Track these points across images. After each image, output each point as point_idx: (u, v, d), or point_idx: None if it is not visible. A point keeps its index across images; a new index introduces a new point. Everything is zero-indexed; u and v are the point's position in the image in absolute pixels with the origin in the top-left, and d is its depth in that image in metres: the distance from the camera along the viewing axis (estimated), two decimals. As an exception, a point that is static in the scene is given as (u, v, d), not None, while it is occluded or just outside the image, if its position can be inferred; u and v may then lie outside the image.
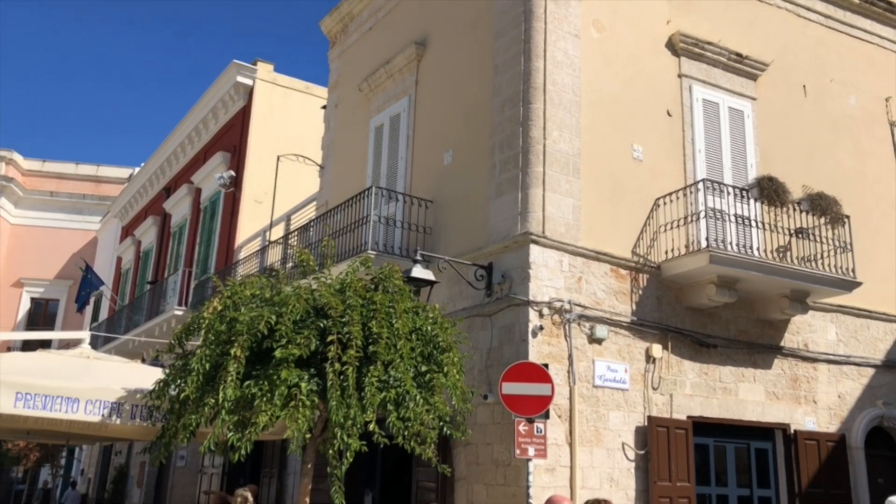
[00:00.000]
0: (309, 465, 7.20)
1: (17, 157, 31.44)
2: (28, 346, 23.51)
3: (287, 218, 16.15)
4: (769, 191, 9.91)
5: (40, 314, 31.06)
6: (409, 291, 7.47)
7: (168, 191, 23.43)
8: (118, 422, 7.07)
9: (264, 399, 6.17)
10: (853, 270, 10.18)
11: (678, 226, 9.67)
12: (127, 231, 27.74)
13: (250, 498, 9.28)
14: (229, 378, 6.26)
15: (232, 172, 18.35)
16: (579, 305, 8.96)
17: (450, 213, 10.31)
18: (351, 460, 6.39)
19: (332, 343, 6.44)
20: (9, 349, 24.59)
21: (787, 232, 10.11)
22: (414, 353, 6.87)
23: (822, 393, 10.58)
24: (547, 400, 7.90)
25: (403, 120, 11.79)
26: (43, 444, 18.76)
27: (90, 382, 7.18)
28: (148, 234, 24.70)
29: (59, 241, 31.16)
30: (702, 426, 9.50)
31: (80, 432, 9.23)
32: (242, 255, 17.08)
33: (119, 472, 21.20)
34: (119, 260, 28.21)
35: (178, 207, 22.21)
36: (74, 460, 26.89)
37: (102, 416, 6.97)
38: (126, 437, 10.61)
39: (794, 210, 10.20)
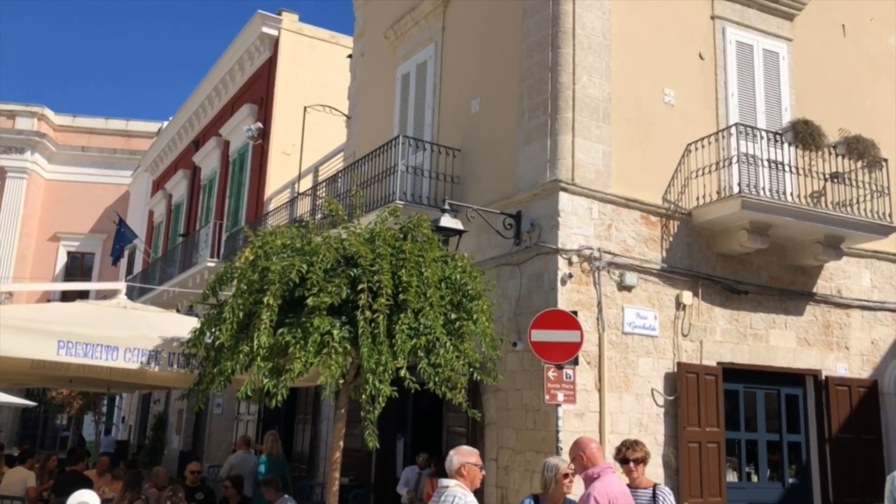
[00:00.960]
0: (342, 410, 7.34)
1: (49, 112, 31.75)
2: (66, 297, 24.11)
3: (315, 169, 16.19)
4: (804, 134, 9.68)
5: (77, 268, 31.75)
6: (437, 240, 7.48)
7: (197, 144, 23.56)
8: (156, 369, 7.24)
9: (298, 346, 6.25)
10: (890, 215, 9.98)
11: (710, 171, 9.53)
12: (158, 185, 28.05)
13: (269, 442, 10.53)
14: (263, 326, 6.35)
15: (259, 124, 18.38)
16: (609, 253, 8.92)
17: (478, 162, 10.25)
18: (383, 405, 6.49)
19: (363, 291, 6.48)
20: (48, 301, 25.22)
21: (821, 176, 9.91)
22: (443, 301, 6.91)
23: (854, 339, 10.50)
24: (576, 347, 7.94)
25: (430, 67, 11.65)
26: (85, 392, 19.31)
27: (128, 331, 7.35)
28: (178, 187, 24.94)
29: (93, 196, 31.64)
30: (732, 372, 9.50)
31: (119, 380, 9.50)
32: (272, 207, 17.21)
33: (158, 420, 21.87)
34: (151, 213, 28.60)
35: (208, 160, 22.36)
36: (115, 408, 27.76)
37: (141, 363, 7.13)
38: (164, 384, 10.89)
39: (830, 154, 9.97)
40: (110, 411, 27.75)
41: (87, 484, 8.57)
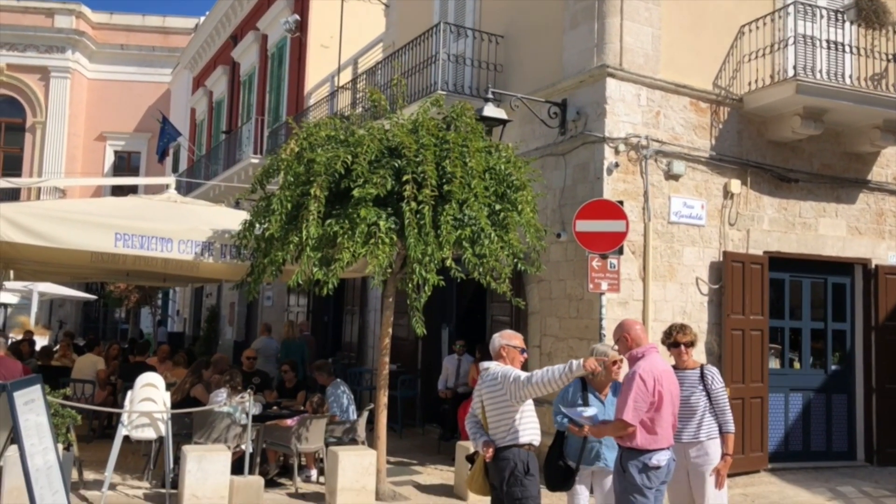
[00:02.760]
0: (390, 299, 7.54)
1: (86, 10, 31.49)
2: (116, 193, 24.68)
3: (354, 62, 15.93)
4: (868, 11, 9.14)
5: (124, 167, 32.30)
6: (481, 130, 7.42)
7: (235, 39, 23.26)
8: (210, 259, 7.47)
9: (346, 237, 6.38)
10: (955, 97, 9.51)
11: (764, 54, 9.13)
12: (198, 82, 27.97)
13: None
14: (311, 217, 6.48)
15: (297, 16, 18.00)
16: (656, 141, 8.74)
17: (521, 49, 9.97)
18: (429, 294, 6.66)
19: (408, 182, 6.53)
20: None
21: (884, 57, 9.43)
22: (488, 192, 6.92)
23: (908, 227, 10.27)
24: (621, 236, 7.93)
25: (471, -50, 11.17)
26: (141, 286, 20.06)
27: (181, 224, 7.55)
28: (219, 84, 24.85)
29: (135, 95, 31.75)
30: (778, 261, 9.42)
31: (174, 272, 9.83)
32: (312, 101, 17.10)
33: (211, 312, 22.72)
34: (193, 111, 28.68)
35: (246, 56, 22.13)
36: (170, 301, 28.87)
37: (195, 254, 7.37)
38: (217, 276, 11.21)
39: (895, 33, 9.44)
40: (165, 305, 28.88)
41: (152, 370, 9.04)
